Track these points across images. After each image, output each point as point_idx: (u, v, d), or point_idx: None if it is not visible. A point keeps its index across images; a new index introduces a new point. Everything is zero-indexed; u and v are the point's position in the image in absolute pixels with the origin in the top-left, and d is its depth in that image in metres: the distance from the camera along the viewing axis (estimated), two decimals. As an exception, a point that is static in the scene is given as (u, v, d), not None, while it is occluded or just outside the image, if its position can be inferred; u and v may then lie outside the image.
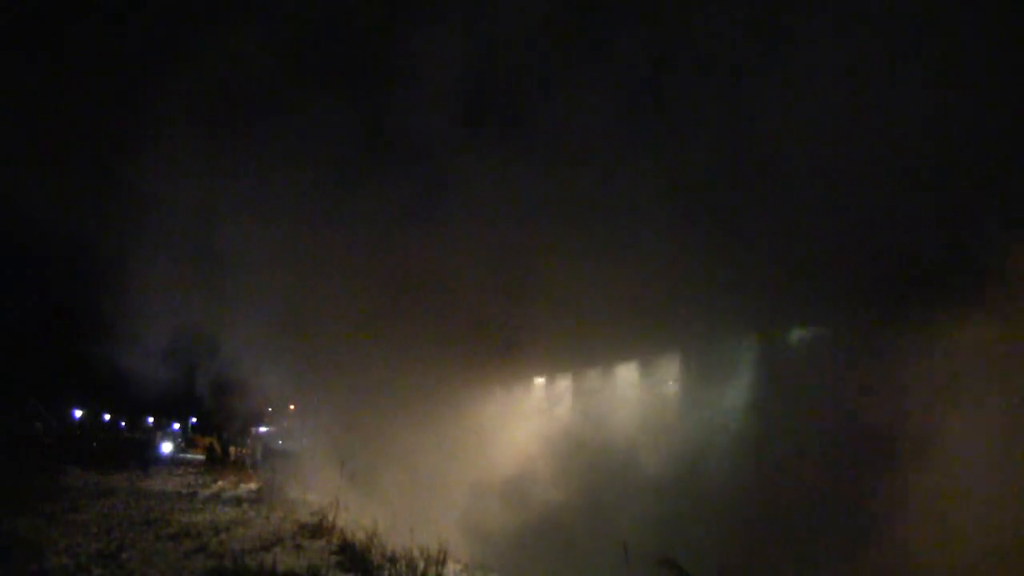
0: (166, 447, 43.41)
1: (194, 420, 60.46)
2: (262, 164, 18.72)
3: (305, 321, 20.35)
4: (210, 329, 23.71)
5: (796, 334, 11.69)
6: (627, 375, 15.93)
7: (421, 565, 9.07)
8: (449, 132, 17.49)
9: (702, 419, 13.03)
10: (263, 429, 57.56)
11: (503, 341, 17.92)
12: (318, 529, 12.21)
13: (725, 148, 12.87)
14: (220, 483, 21.94)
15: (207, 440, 43.46)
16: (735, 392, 12.45)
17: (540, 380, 19.66)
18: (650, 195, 13.86)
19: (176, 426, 60.90)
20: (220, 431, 44.23)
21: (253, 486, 21.18)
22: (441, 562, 9.24)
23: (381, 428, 19.15)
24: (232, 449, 38.06)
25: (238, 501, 17.32)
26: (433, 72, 17.46)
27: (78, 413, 53.18)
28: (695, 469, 12.47)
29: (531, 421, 18.60)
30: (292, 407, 38.47)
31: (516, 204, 16.83)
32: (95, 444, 34.82)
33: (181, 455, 42.26)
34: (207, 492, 19.44)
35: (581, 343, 16.04)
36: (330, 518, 12.62)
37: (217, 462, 30.89)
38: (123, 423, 61.31)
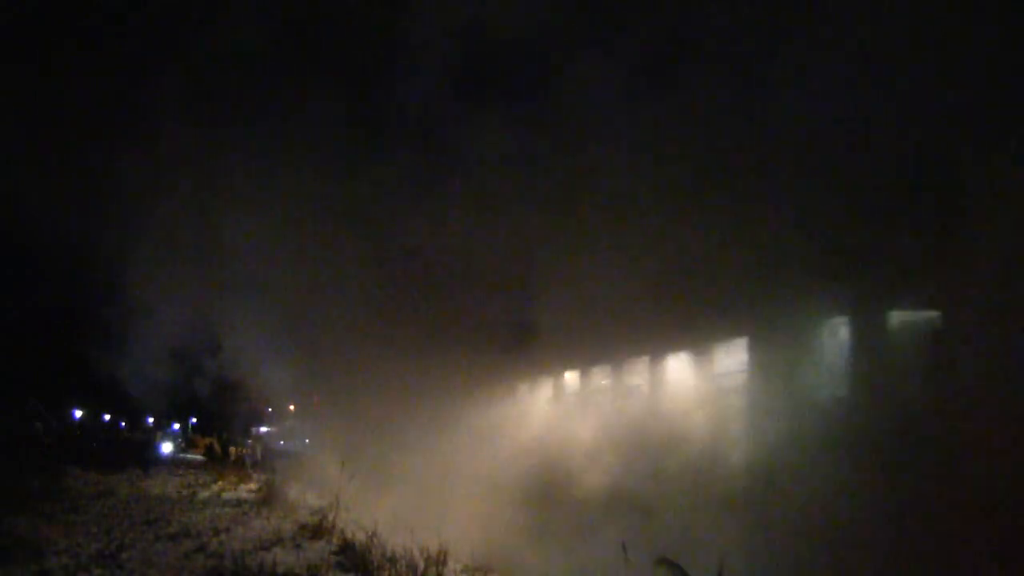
0: (166, 447, 43.48)
1: (194, 420, 60.57)
2: (261, 160, 18.67)
3: (307, 319, 20.31)
4: (210, 329, 23.76)
5: (898, 318, 9.97)
6: (679, 366, 14.27)
7: (421, 565, 9.06)
8: (459, 115, 17.15)
9: (775, 416, 11.39)
10: (263, 429, 57.67)
11: (526, 333, 16.89)
12: (318, 529, 12.20)
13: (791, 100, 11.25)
14: (220, 483, 21.93)
15: (207, 440, 43.55)
16: (818, 385, 10.87)
17: (572, 374, 18.27)
18: (706, 157, 12.25)
19: (176, 426, 60.92)
20: (220, 431, 44.34)
21: (253, 486, 21.18)
22: (442, 562, 9.23)
23: (387, 428, 18.97)
24: (232, 449, 38.12)
25: (238, 501, 17.32)
26: (435, 53, 17.16)
27: (78, 413, 53.18)
28: (766, 474, 10.97)
29: (560, 419, 17.45)
30: (292, 407, 38.50)
31: (538, 181, 15.94)
32: (95, 444, 34.80)
33: (181, 455, 42.27)
34: (207, 492, 19.43)
35: (622, 332, 14.56)
36: (330, 518, 12.61)
37: (217, 462, 30.88)
38: (123, 423, 61.29)
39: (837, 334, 10.80)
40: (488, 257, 16.40)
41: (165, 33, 20.41)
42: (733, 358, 12.80)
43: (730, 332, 12.71)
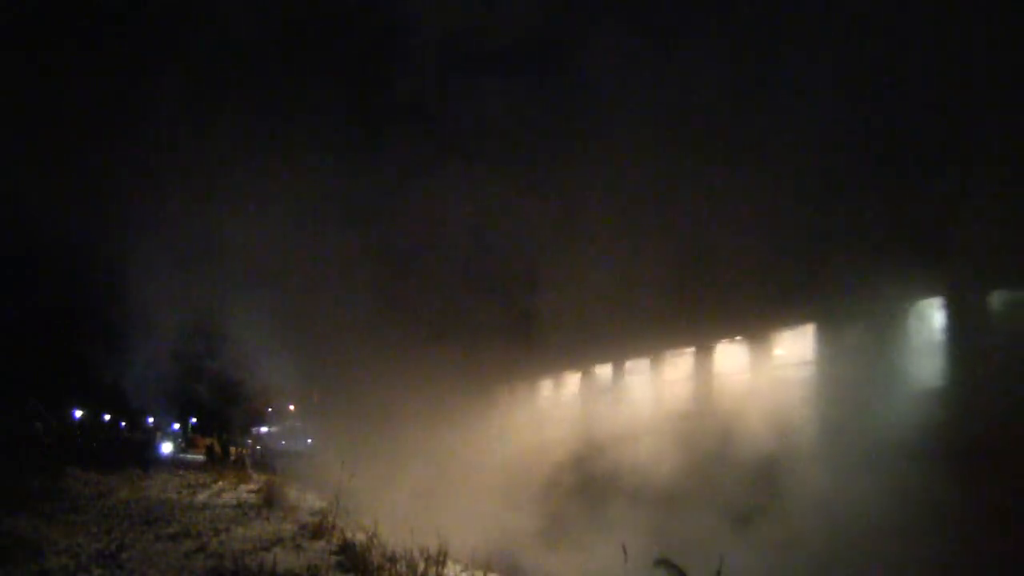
0: (166, 447, 43.49)
1: (194, 420, 60.53)
2: (261, 159, 18.62)
3: (309, 317, 20.24)
4: (211, 329, 23.73)
5: (1003, 299, 8.73)
6: (731, 357, 12.91)
7: (421, 565, 9.06)
8: (460, 108, 16.81)
9: (849, 411, 10.05)
10: (264, 429, 57.67)
11: (547, 326, 15.84)
12: (318, 529, 12.20)
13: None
14: (220, 483, 21.93)
15: (207, 440, 43.51)
16: (902, 376, 9.57)
17: (604, 368, 16.87)
18: (759, 124, 10.92)
19: (176, 426, 60.90)
20: (220, 431, 44.31)
21: (253, 487, 21.17)
22: (441, 562, 9.22)
23: (389, 427, 18.81)
24: (232, 449, 38.10)
25: (238, 502, 17.31)
26: (434, 50, 16.90)
27: (78, 413, 53.13)
28: (843, 479, 9.59)
29: (589, 417, 16.30)
30: (292, 407, 38.50)
31: (563, 165, 14.97)
32: (95, 444, 34.76)
33: (181, 455, 42.24)
34: (207, 492, 19.42)
35: (663, 321, 13.30)
36: (330, 519, 12.61)
37: (217, 462, 30.85)
38: (123, 423, 61.25)
39: (926, 318, 9.55)
40: (503, 248, 15.94)
41: (164, 31, 20.43)
42: (796, 347, 11.50)
43: (793, 319, 11.42)
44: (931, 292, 9.46)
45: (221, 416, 45.01)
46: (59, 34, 20.90)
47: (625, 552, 8.26)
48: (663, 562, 7.39)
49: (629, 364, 16.09)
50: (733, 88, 12.00)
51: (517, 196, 15.50)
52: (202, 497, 18.10)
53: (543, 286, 15.94)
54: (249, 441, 50.24)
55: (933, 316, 9.48)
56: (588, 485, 14.87)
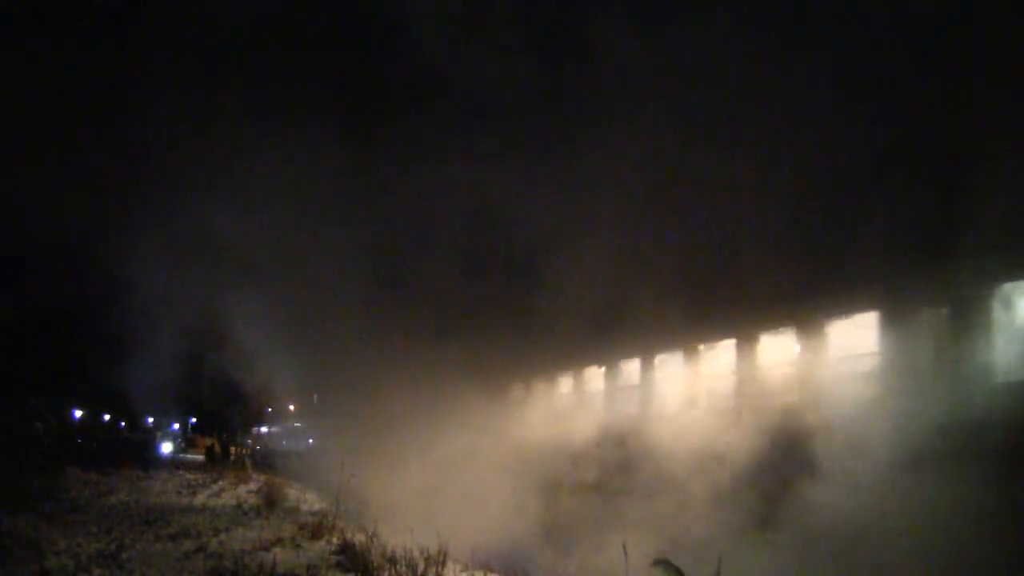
0: (166, 447, 43.49)
1: (194, 420, 60.58)
2: (262, 158, 18.56)
3: (311, 315, 20.21)
4: (212, 330, 23.73)
5: None
6: (779, 349, 11.93)
7: (421, 565, 9.06)
8: (469, 94, 16.53)
9: (920, 407, 8.98)
10: (264, 429, 57.68)
11: (568, 320, 15.15)
12: (318, 529, 12.19)
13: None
14: (220, 483, 21.93)
15: (207, 440, 43.54)
16: (984, 368, 8.63)
17: (632, 362, 16.02)
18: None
19: (176, 426, 60.91)
20: (220, 431, 44.35)
21: (253, 487, 21.17)
22: (441, 562, 9.21)
23: (394, 427, 18.74)
24: (232, 449, 38.12)
25: (238, 502, 17.31)
26: (441, 30, 16.66)
27: (78, 413, 53.14)
28: (916, 483, 8.54)
29: (617, 416, 15.66)
30: (292, 408, 38.49)
31: (588, 152, 14.32)
32: (95, 444, 34.77)
33: (181, 455, 42.25)
34: (207, 492, 19.42)
35: (699, 312, 12.47)
36: (330, 519, 12.61)
37: (217, 462, 30.85)
38: (123, 423, 61.24)
39: (1013, 304, 8.68)
40: (519, 238, 15.58)
41: (163, 28, 20.42)
42: (856, 338, 10.61)
43: (852, 306, 10.52)
44: (1015, 275, 8.65)
45: (221, 416, 45.07)
46: (59, 34, 20.91)
47: (625, 552, 8.26)
48: (661, 562, 7.39)
49: (659, 358, 15.22)
50: (785, 64, 11.28)
51: (532, 185, 15.13)
52: (202, 497, 18.10)
53: (560, 277, 15.23)
54: (249, 441, 50.27)
55: (1019, 300, 8.65)
56: (601, 487, 14.71)
